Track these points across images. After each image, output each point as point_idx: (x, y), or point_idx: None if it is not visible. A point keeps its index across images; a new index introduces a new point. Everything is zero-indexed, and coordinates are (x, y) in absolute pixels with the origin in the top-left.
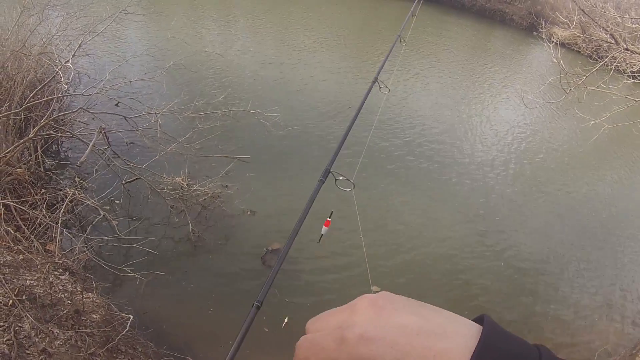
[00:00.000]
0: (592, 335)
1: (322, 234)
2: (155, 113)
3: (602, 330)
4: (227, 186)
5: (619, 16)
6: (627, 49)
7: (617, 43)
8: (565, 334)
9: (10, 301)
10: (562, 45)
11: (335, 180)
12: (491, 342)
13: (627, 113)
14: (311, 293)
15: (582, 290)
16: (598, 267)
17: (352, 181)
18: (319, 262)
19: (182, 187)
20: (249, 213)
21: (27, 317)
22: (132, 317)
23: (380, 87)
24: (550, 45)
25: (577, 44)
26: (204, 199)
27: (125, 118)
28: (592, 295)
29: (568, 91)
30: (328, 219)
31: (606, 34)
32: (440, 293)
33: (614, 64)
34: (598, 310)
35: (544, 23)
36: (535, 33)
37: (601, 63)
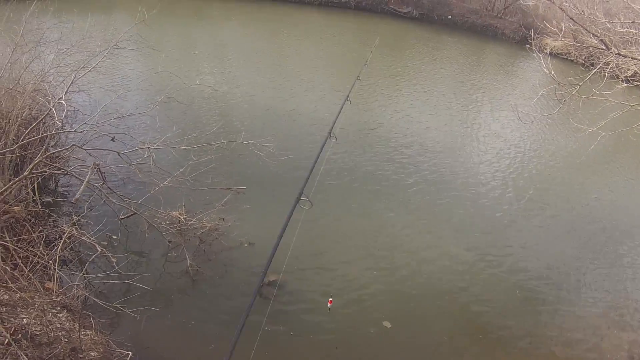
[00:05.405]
0: (602, 346)
1: (329, 307)
2: (149, 148)
3: (612, 341)
4: (224, 219)
5: (608, 22)
6: (619, 54)
7: (608, 48)
8: (573, 347)
9: (6, 340)
10: (555, 55)
11: (299, 200)
12: None
13: (623, 119)
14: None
15: (589, 301)
16: (604, 277)
17: (309, 200)
18: None
19: (179, 221)
20: (247, 245)
21: (23, 357)
22: (131, 353)
23: (329, 138)
24: (540, 56)
25: (569, 53)
26: (202, 233)
27: (118, 154)
28: (599, 306)
29: (563, 102)
30: (330, 299)
31: (597, 39)
32: (442, 311)
33: (607, 70)
34: (607, 321)
35: (533, 34)
36: (527, 45)
37: (594, 70)
